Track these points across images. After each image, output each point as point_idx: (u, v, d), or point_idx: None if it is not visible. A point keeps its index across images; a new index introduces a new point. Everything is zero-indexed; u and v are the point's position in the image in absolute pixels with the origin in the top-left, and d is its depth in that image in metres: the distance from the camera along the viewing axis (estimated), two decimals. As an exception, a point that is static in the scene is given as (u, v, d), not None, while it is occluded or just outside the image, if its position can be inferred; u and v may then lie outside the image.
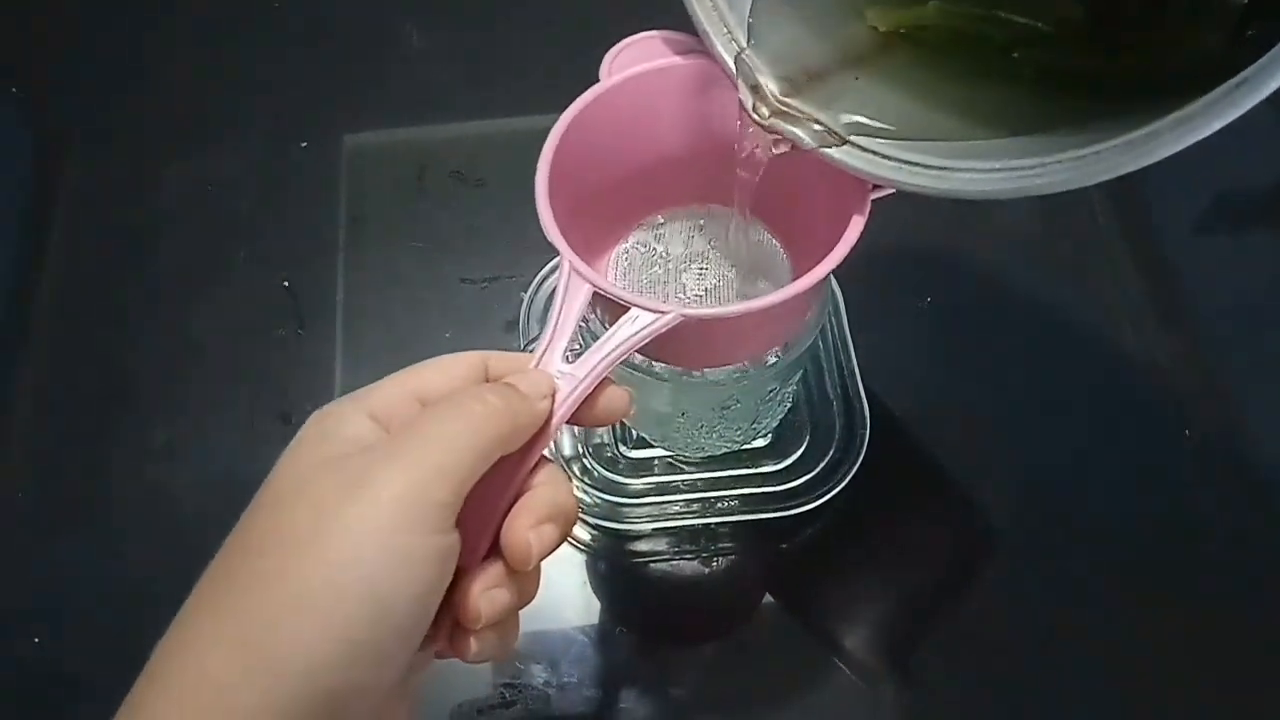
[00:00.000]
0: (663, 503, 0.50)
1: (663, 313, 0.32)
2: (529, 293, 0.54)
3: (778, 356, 0.42)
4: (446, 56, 0.68)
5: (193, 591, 0.27)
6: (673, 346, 0.37)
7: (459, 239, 0.61)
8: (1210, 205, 0.61)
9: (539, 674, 0.47)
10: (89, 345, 0.58)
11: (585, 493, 0.50)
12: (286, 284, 0.59)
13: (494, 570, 0.29)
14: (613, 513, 0.50)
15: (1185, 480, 0.52)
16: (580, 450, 0.51)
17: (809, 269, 0.34)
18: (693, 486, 0.50)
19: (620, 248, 0.45)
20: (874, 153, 0.34)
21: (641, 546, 0.51)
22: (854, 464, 0.49)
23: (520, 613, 0.48)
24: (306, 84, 0.68)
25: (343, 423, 0.29)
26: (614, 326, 0.33)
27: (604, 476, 0.51)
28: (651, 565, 0.51)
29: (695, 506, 0.50)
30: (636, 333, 0.32)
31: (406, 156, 0.64)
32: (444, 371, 0.31)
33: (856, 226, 0.34)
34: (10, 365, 0.57)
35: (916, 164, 0.33)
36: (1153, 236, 0.60)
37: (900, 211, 0.61)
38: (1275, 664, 0.48)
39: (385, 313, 0.58)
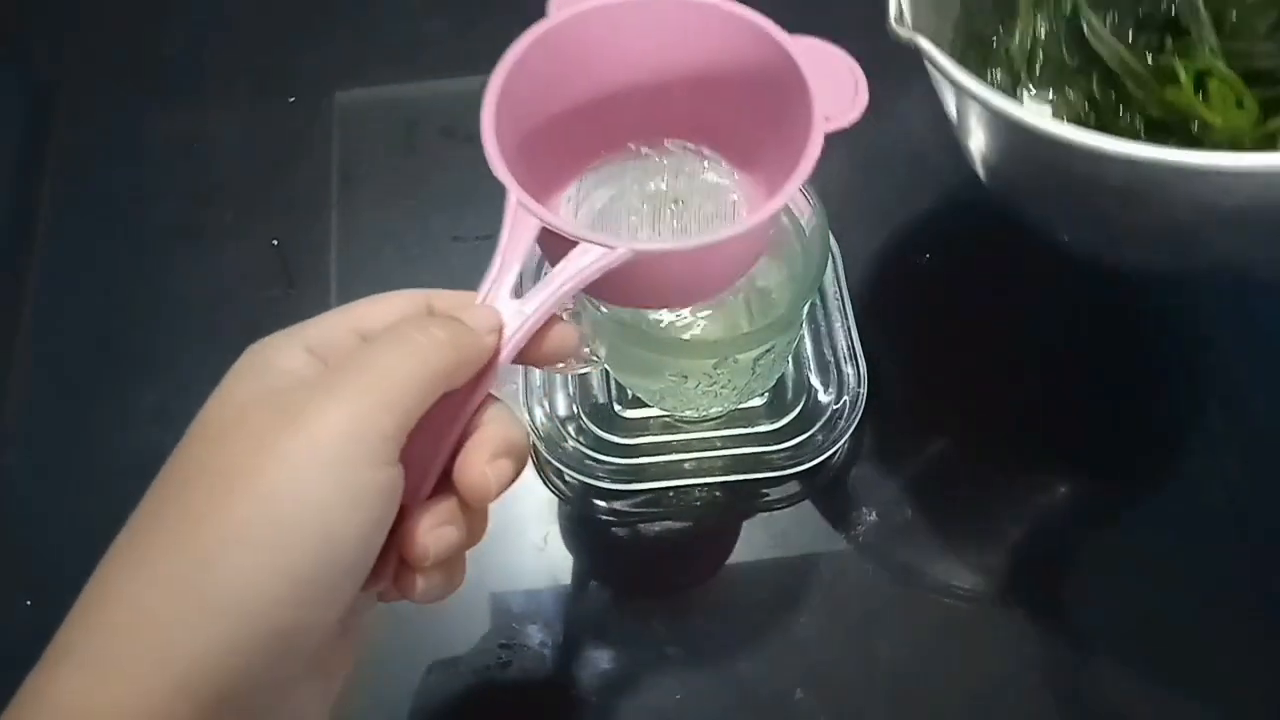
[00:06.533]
0: (659, 463, 0.50)
1: (612, 247, 0.31)
2: (522, 251, 0.53)
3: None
4: (437, 11, 0.67)
5: (122, 530, 0.26)
6: (624, 287, 0.36)
7: (450, 196, 0.60)
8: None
9: (535, 634, 0.47)
10: (77, 306, 0.57)
11: (581, 452, 0.50)
12: (275, 242, 0.58)
13: (442, 508, 0.29)
14: (609, 473, 0.49)
15: (1187, 425, 0.52)
16: (576, 410, 0.51)
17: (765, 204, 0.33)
18: (689, 446, 0.50)
19: (571, 191, 0.43)
20: None
21: (638, 507, 0.50)
22: (852, 422, 0.49)
23: (515, 572, 0.49)
24: (293, 39, 0.66)
25: (278, 355, 0.28)
26: (563, 261, 0.32)
27: (600, 437, 0.50)
28: (648, 525, 0.50)
29: (691, 466, 0.50)
30: (586, 266, 0.31)
31: (396, 113, 0.63)
32: (385, 306, 0.31)
33: (810, 157, 0.33)
34: (-3, 326, 0.56)
35: None
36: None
37: (899, 169, 0.61)
38: (1273, 612, 0.48)
39: (377, 271, 0.58)
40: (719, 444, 0.50)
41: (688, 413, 0.50)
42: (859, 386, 0.50)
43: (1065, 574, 0.49)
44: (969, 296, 0.56)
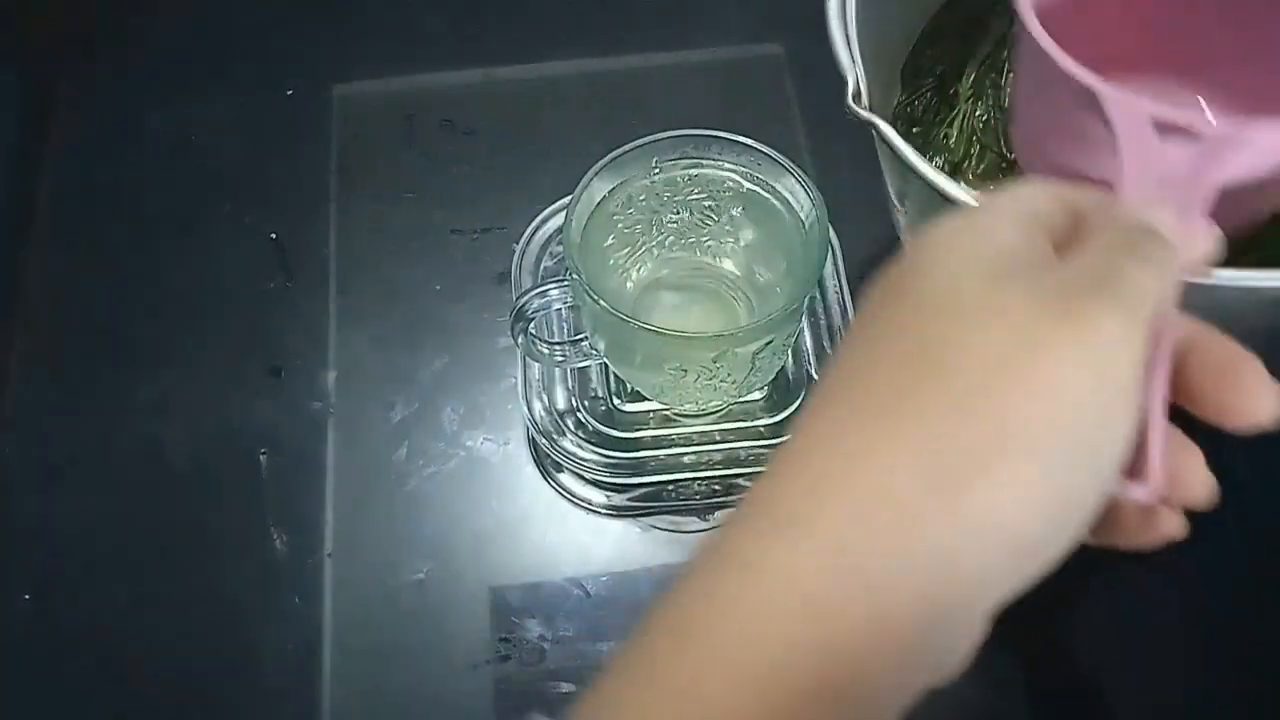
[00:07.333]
0: (658, 457, 0.50)
1: None
2: (520, 245, 0.53)
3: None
4: (435, 3, 0.67)
5: (838, 386, 0.24)
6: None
7: (449, 190, 0.60)
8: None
9: (533, 628, 0.47)
10: (76, 299, 0.57)
11: (579, 446, 0.50)
12: (274, 236, 0.58)
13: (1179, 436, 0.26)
14: (608, 467, 0.49)
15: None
16: (575, 404, 0.51)
17: None
18: (688, 440, 0.50)
19: None
20: None
21: (637, 501, 0.50)
22: (851, 417, 0.49)
23: (514, 566, 0.48)
24: (291, 32, 0.66)
25: (995, 228, 0.25)
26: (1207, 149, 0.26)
27: (599, 430, 0.50)
28: (645, 519, 0.50)
29: (691, 460, 0.50)
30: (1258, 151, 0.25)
31: (395, 106, 0.63)
32: (1076, 194, 0.27)
33: None
34: (-4, 320, 0.56)
35: None
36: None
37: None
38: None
39: (375, 264, 0.57)
40: (718, 438, 0.50)
41: (687, 406, 0.50)
42: (858, 380, 0.49)
43: (1066, 571, 0.49)
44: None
